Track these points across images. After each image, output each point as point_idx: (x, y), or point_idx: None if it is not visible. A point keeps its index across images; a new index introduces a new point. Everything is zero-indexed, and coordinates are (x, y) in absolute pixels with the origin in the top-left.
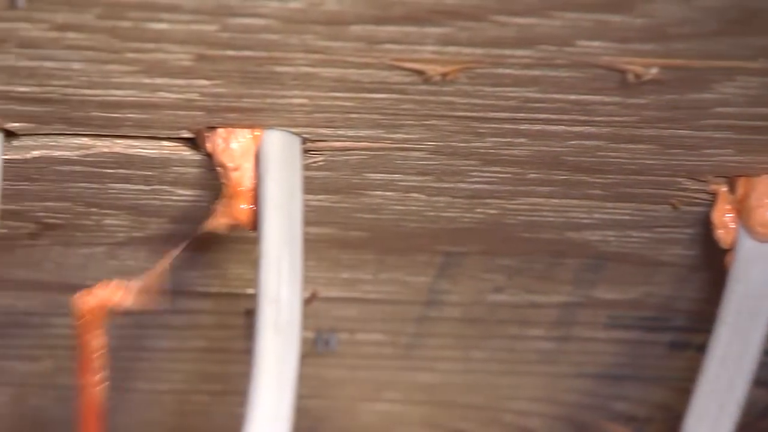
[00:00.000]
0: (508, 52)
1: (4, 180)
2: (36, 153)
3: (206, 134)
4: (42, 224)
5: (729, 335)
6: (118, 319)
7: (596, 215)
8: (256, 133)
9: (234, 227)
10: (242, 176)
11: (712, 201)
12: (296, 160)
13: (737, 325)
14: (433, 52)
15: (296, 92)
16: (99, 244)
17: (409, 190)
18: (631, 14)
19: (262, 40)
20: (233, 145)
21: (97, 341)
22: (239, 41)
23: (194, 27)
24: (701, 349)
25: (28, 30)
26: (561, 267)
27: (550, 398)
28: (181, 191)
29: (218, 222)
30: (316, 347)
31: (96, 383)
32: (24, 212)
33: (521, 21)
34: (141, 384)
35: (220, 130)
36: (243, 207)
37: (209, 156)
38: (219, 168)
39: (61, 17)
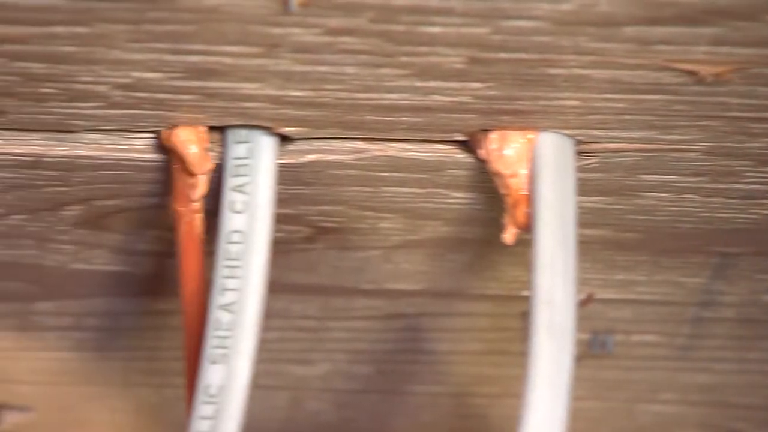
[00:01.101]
0: None
1: (280, 184)
2: (311, 157)
3: (479, 137)
4: (317, 228)
5: None
6: (395, 322)
7: None
8: (529, 137)
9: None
10: (519, 182)
11: None
12: (570, 162)
13: None
14: (706, 53)
15: (568, 94)
16: (374, 248)
17: (683, 191)
18: None
19: (535, 42)
20: (507, 152)
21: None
22: (511, 44)
23: (466, 30)
24: None
25: (301, 35)
26: None
27: None
28: (455, 194)
29: (509, 234)
30: (592, 349)
31: (193, 210)
32: (300, 216)
33: None
34: (418, 387)
35: (492, 137)
36: (526, 212)
37: (483, 161)
38: (495, 176)
39: (334, 21)
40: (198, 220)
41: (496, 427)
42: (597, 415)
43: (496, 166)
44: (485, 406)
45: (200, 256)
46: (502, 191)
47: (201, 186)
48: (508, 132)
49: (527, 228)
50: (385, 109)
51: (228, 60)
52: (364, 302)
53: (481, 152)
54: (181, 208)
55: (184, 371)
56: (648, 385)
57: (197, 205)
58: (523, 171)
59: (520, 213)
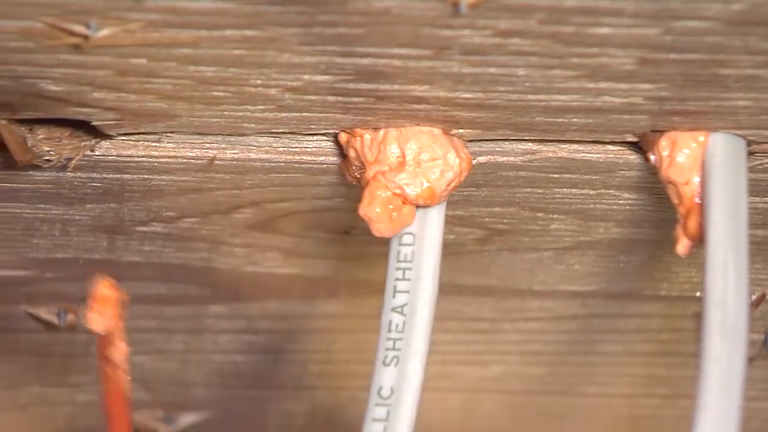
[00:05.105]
0: None
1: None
2: (482, 159)
3: (650, 139)
4: (489, 230)
5: None
6: (568, 323)
7: None
8: (700, 139)
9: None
10: (692, 190)
11: None
12: (742, 162)
13: None
14: None
15: (740, 94)
16: (546, 249)
17: None
18: None
19: (705, 43)
20: (679, 159)
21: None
22: (682, 44)
23: (636, 31)
24: None
25: (471, 37)
26: None
27: None
28: (626, 195)
29: (681, 245)
30: (765, 349)
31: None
32: (471, 218)
33: None
34: (591, 388)
35: (663, 143)
36: (699, 221)
37: (655, 167)
38: (667, 185)
39: (503, 23)
40: None
41: (669, 428)
42: None
43: (669, 173)
44: (658, 407)
45: None
46: (674, 201)
47: None
48: (678, 135)
49: (701, 239)
50: (556, 110)
51: (398, 62)
52: (536, 304)
53: (653, 159)
54: None
55: None
56: None
57: None
58: (696, 179)
59: (693, 223)
